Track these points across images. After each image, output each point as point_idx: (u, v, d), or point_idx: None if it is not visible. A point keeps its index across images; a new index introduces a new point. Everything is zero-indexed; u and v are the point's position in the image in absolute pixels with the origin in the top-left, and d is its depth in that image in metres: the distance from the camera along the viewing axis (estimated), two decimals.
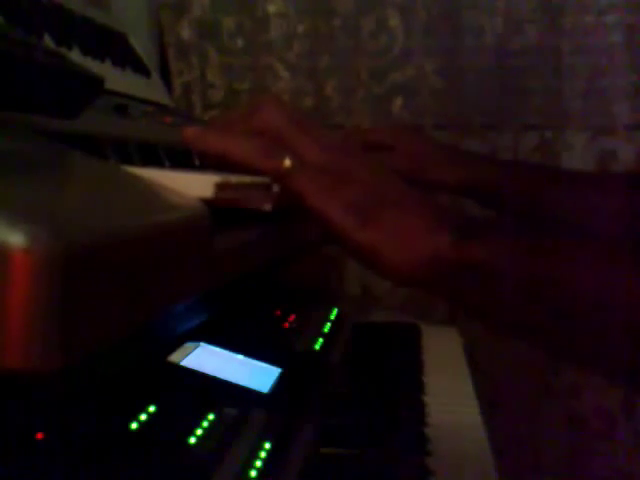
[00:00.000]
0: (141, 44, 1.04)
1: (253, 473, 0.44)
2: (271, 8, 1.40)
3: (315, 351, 0.73)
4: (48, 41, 0.73)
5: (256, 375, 0.57)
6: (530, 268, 0.44)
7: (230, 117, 0.58)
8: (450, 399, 0.72)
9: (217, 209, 0.40)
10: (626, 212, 0.58)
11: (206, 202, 0.39)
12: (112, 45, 0.92)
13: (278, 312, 0.77)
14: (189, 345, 0.54)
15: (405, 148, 0.76)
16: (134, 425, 0.41)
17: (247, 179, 0.48)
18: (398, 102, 1.39)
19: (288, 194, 0.48)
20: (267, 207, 0.47)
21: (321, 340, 0.75)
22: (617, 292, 0.42)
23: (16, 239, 0.21)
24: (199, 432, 0.44)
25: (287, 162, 0.47)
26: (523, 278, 0.44)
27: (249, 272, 0.51)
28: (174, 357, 0.52)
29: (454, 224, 0.46)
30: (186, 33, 1.42)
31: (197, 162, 0.59)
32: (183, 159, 0.57)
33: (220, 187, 0.45)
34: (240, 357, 0.58)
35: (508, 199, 0.73)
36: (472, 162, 0.75)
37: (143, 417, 0.41)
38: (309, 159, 0.49)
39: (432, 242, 0.45)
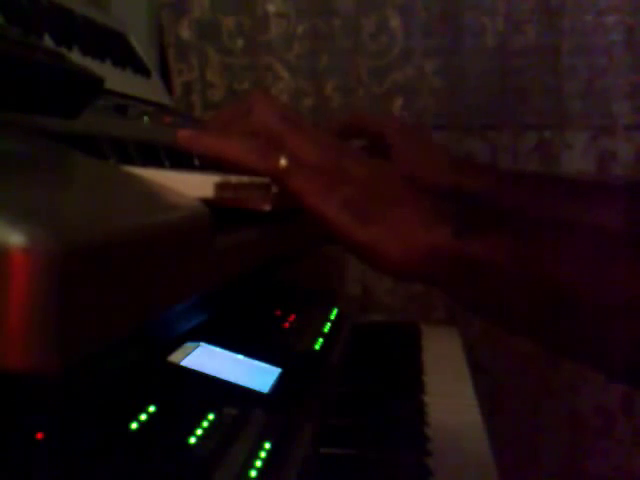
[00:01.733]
0: (141, 44, 1.04)
1: (253, 473, 0.44)
2: (271, 8, 1.40)
3: (315, 351, 0.73)
4: (48, 41, 0.73)
5: (256, 375, 0.57)
6: (528, 263, 0.44)
7: (223, 117, 0.58)
8: (450, 399, 0.72)
9: (217, 209, 0.40)
10: (626, 221, 0.58)
11: (206, 202, 0.39)
12: (112, 45, 0.92)
13: (278, 312, 0.77)
14: (189, 345, 0.54)
15: (403, 149, 0.75)
16: (134, 425, 0.41)
17: (246, 179, 0.48)
18: (398, 102, 1.39)
19: (286, 194, 0.48)
20: (266, 207, 0.47)
21: (321, 340, 0.75)
22: (616, 287, 0.42)
23: (16, 239, 0.21)
24: (199, 432, 0.44)
25: (283, 162, 0.47)
26: (521, 273, 0.44)
27: (249, 272, 0.51)
28: (174, 357, 0.52)
29: (453, 219, 0.46)
30: (186, 33, 1.42)
31: (197, 162, 0.59)
32: (183, 159, 0.57)
33: (220, 187, 0.45)
34: (240, 357, 0.58)
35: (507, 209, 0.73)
36: (475, 171, 0.75)
37: (143, 417, 0.41)
38: (305, 158, 0.49)
39: (431, 237, 0.45)
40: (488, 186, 0.71)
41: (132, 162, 0.49)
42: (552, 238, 0.46)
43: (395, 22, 1.38)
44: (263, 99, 0.53)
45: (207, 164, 0.53)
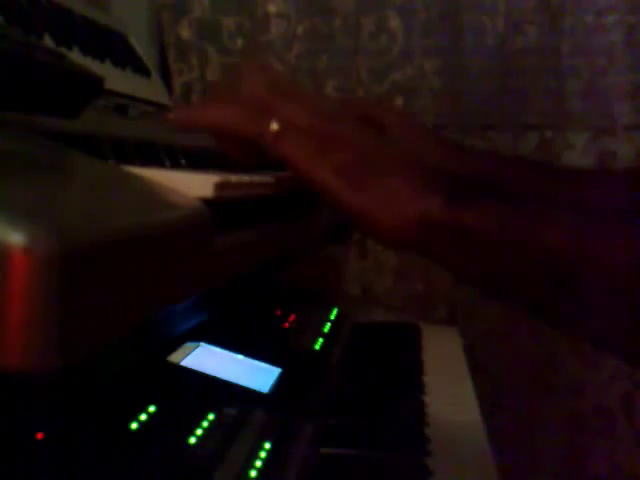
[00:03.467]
0: (141, 44, 1.04)
1: (253, 473, 0.44)
2: (271, 8, 1.40)
3: (315, 351, 0.73)
4: (48, 41, 0.73)
5: (256, 375, 0.57)
6: (517, 230, 0.44)
7: (214, 90, 0.58)
8: (450, 399, 0.72)
9: (217, 209, 0.40)
10: (626, 206, 0.58)
11: (206, 202, 0.39)
12: (112, 45, 0.92)
13: (278, 312, 0.77)
14: (189, 345, 0.54)
15: (399, 132, 0.75)
16: (134, 425, 0.41)
17: (246, 178, 0.48)
18: (398, 102, 1.39)
19: (276, 158, 0.47)
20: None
21: (321, 340, 0.75)
22: (603, 254, 0.42)
23: (16, 239, 0.21)
24: (199, 432, 0.44)
25: (274, 126, 0.47)
26: (510, 241, 0.44)
27: (249, 272, 0.51)
28: (174, 357, 0.52)
29: (444, 187, 0.46)
30: (186, 33, 1.42)
31: (198, 162, 0.58)
32: (183, 159, 0.57)
33: (220, 187, 0.45)
34: (240, 357, 0.58)
35: None
36: (472, 156, 0.75)
37: (143, 417, 0.41)
38: (298, 122, 0.48)
39: (421, 205, 0.45)
40: (487, 171, 0.71)
41: (132, 162, 0.49)
42: (541, 207, 0.46)
43: (395, 22, 1.38)
44: (253, 69, 0.53)
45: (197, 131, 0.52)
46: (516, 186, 0.70)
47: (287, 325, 0.74)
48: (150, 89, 1.00)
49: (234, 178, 0.46)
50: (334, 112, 0.51)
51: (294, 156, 0.47)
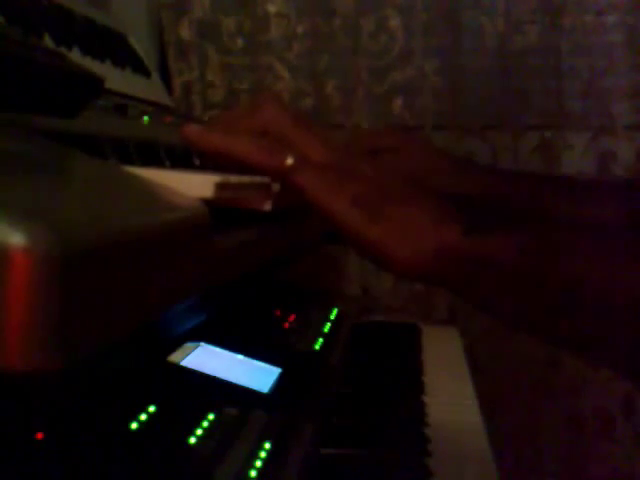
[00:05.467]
0: (141, 44, 1.04)
1: (253, 473, 0.44)
2: (271, 8, 1.40)
3: (315, 351, 0.73)
4: (48, 41, 0.73)
5: (256, 375, 0.57)
6: (535, 263, 0.44)
7: (231, 116, 0.58)
8: (450, 399, 0.72)
9: (217, 209, 0.40)
10: (628, 220, 0.59)
11: (206, 202, 0.39)
12: (112, 45, 0.92)
13: (278, 312, 0.77)
14: (189, 345, 0.54)
15: (409, 154, 0.75)
16: (134, 425, 0.41)
17: (246, 179, 0.48)
18: (398, 102, 1.39)
19: (291, 192, 0.48)
20: (267, 207, 0.47)
21: (321, 340, 0.75)
22: (621, 284, 0.42)
23: (16, 239, 0.21)
24: (199, 432, 0.44)
25: (289, 160, 0.47)
26: (528, 273, 0.45)
27: (249, 272, 0.51)
28: (174, 357, 0.52)
29: (461, 218, 0.46)
30: (186, 33, 1.42)
31: (197, 162, 0.58)
32: (183, 159, 0.57)
33: (220, 187, 0.45)
34: (240, 357, 0.58)
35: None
36: (476, 173, 0.75)
37: (143, 417, 0.41)
38: (313, 157, 0.49)
39: (439, 236, 0.45)
40: (490, 187, 0.71)
41: (132, 162, 0.49)
42: (557, 236, 0.46)
43: (395, 22, 1.38)
44: (272, 99, 0.53)
45: (209, 161, 0.53)
46: (518, 200, 0.70)
47: (287, 325, 0.74)
48: (150, 89, 1.00)
49: (234, 178, 0.46)
50: (349, 147, 0.52)
51: (309, 188, 0.47)
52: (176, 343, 0.53)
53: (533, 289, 0.45)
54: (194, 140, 0.50)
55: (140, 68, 0.99)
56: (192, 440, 0.43)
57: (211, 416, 0.46)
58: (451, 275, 0.46)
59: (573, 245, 0.45)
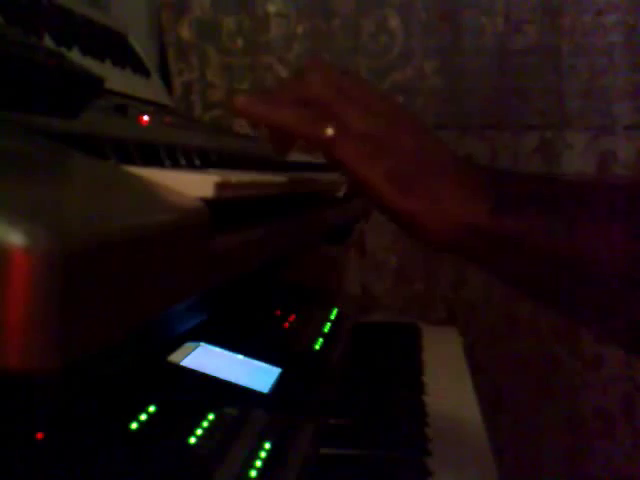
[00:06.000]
0: (141, 44, 1.04)
1: (253, 473, 0.44)
2: (271, 8, 1.40)
3: (315, 351, 0.73)
4: (48, 41, 0.73)
5: (256, 375, 0.57)
6: (557, 240, 0.47)
7: (280, 85, 0.60)
8: (450, 399, 0.72)
9: (217, 209, 0.40)
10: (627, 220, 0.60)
11: (206, 202, 0.39)
12: (112, 45, 0.92)
13: (278, 312, 0.77)
14: (189, 345, 0.54)
15: None
16: (134, 425, 0.41)
17: (248, 178, 0.48)
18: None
19: (331, 162, 0.50)
20: (340, 194, 0.50)
21: (321, 340, 0.75)
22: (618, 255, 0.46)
23: (16, 239, 0.21)
24: (199, 432, 0.44)
25: (329, 131, 0.49)
26: (551, 250, 0.47)
27: (249, 272, 0.51)
28: (174, 357, 0.52)
29: (492, 194, 0.48)
30: (186, 33, 1.42)
31: (197, 162, 0.58)
32: (183, 159, 0.57)
33: (220, 187, 0.45)
34: (240, 357, 0.58)
35: None
36: None
37: (143, 417, 0.41)
38: (352, 127, 0.50)
39: (470, 211, 0.47)
40: None
41: (132, 162, 0.49)
42: (572, 215, 0.49)
43: (395, 22, 1.38)
44: (317, 66, 0.54)
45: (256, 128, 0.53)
46: None
47: (287, 325, 0.74)
48: (150, 89, 1.00)
49: (234, 178, 0.46)
50: (391, 111, 0.52)
51: (348, 160, 0.49)
52: (176, 343, 0.53)
53: (551, 265, 0.48)
54: (241, 110, 0.52)
55: (140, 68, 0.99)
56: (192, 440, 0.43)
57: (211, 416, 0.46)
58: (479, 249, 0.49)
59: (600, 229, 0.48)
